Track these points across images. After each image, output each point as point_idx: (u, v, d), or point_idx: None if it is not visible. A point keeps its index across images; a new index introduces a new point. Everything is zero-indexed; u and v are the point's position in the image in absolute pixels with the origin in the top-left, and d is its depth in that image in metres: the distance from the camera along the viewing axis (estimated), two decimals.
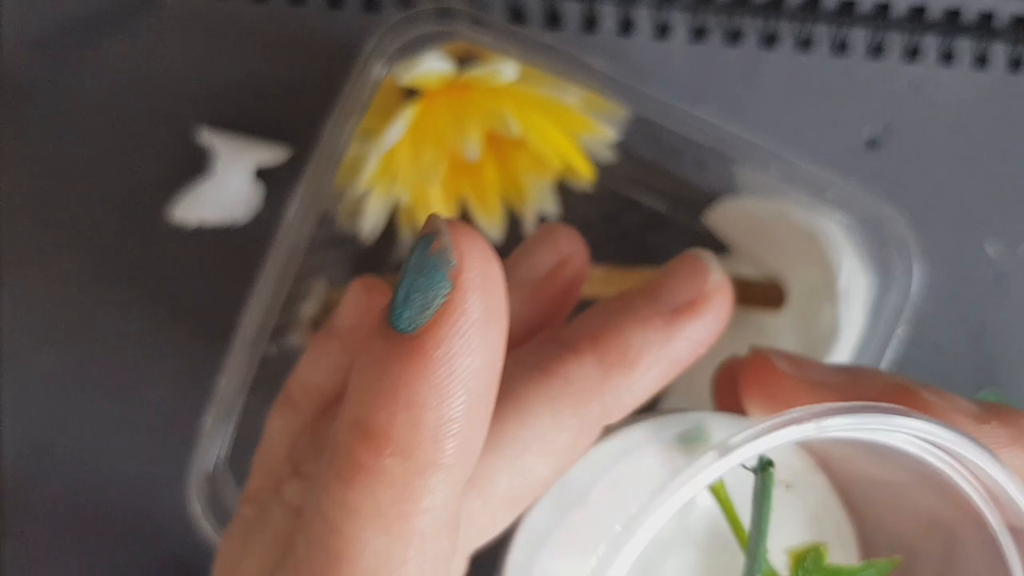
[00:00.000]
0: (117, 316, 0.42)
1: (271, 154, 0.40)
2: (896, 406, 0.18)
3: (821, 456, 0.24)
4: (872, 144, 0.41)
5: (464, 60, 0.35)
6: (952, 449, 0.19)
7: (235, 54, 0.40)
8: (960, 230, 0.41)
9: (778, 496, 0.24)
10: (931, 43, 0.40)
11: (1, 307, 0.42)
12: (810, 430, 0.18)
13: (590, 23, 0.40)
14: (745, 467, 0.21)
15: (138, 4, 0.40)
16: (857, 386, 0.21)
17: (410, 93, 0.37)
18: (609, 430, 0.23)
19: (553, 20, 0.40)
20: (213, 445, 0.34)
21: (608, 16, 0.40)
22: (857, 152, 0.41)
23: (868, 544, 0.24)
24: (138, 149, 0.41)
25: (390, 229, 0.41)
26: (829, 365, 0.22)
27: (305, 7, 0.40)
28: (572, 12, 0.40)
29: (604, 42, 0.40)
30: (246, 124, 0.41)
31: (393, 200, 0.39)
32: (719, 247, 0.41)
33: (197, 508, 0.34)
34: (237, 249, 0.41)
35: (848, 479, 0.24)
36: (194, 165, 0.41)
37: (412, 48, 0.34)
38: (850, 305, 0.35)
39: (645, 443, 0.22)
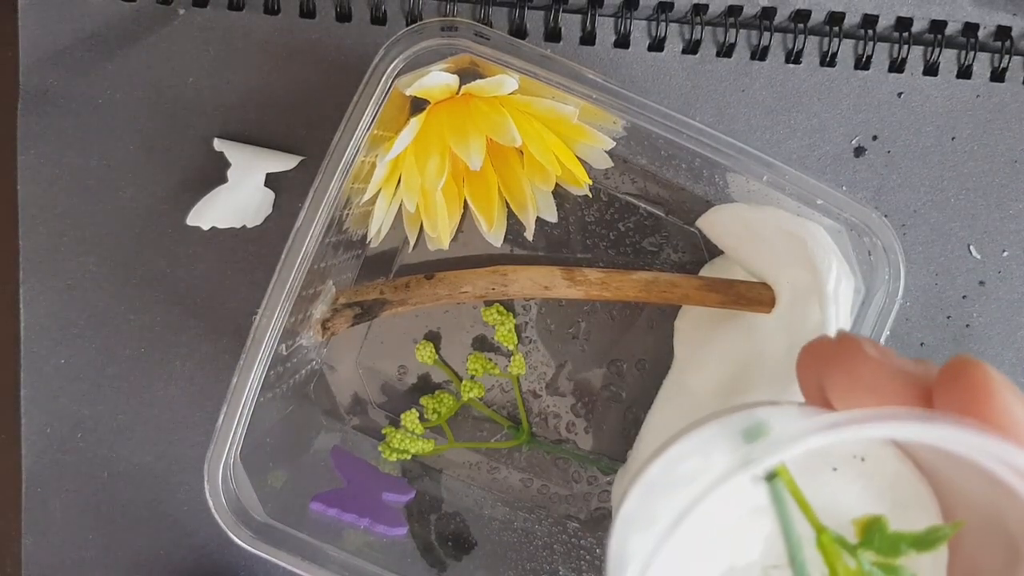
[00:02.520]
0: (133, 317, 0.43)
1: (282, 161, 0.41)
2: (968, 421, 0.19)
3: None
4: (859, 152, 0.42)
5: (467, 72, 0.36)
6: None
7: (247, 65, 0.41)
8: (945, 235, 0.42)
9: (853, 468, 0.25)
10: (916, 54, 0.41)
11: (21, 308, 0.43)
12: (868, 430, 0.20)
13: (588, 37, 0.41)
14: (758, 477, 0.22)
15: (153, 17, 0.41)
16: (937, 381, 0.21)
17: (416, 103, 0.38)
18: (684, 428, 0.24)
19: (553, 34, 0.41)
20: (227, 441, 0.35)
21: (605, 30, 0.41)
22: (845, 159, 0.42)
23: (948, 511, 0.25)
24: (153, 157, 0.42)
25: (396, 232, 0.42)
26: (909, 358, 0.23)
27: (315, 20, 0.41)
28: (571, 26, 0.41)
29: (601, 55, 0.41)
30: (258, 132, 0.42)
31: (399, 205, 0.40)
32: (712, 251, 0.42)
33: (211, 501, 0.35)
34: (249, 253, 0.42)
35: (921, 450, 0.25)
36: (208, 172, 0.42)
37: (418, 60, 0.34)
38: (838, 307, 0.35)
39: (712, 439, 0.24)
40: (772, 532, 0.24)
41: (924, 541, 0.23)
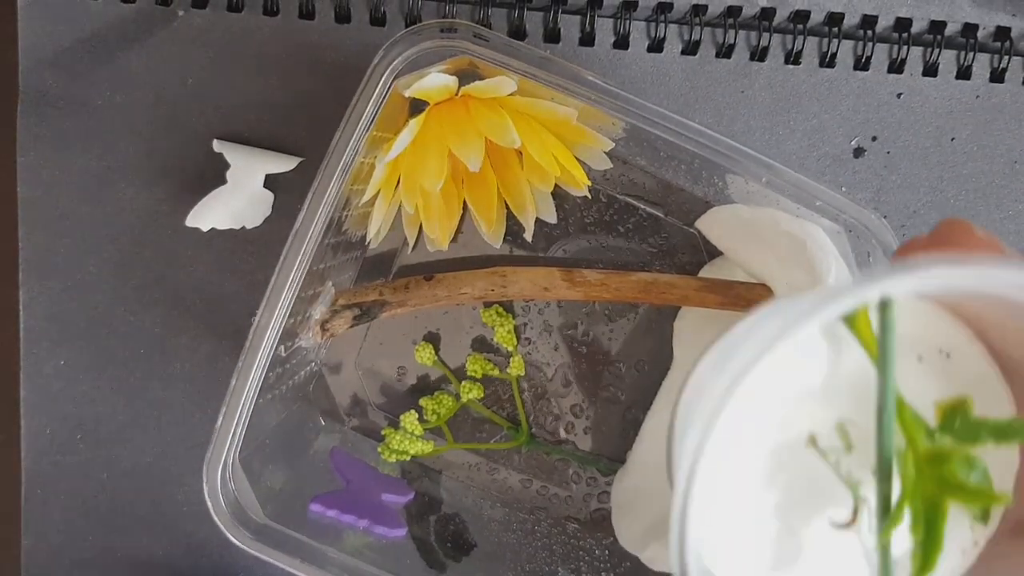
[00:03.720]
0: (133, 318, 0.43)
1: (281, 163, 0.41)
2: None
3: (978, 327, 0.25)
4: (858, 153, 0.42)
5: (466, 74, 0.36)
6: None
7: (246, 66, 0.41)
8: None
9: (936, 364, 0.25)
10: (916, 55, 0.41)
11: (21, 309, 0.43)
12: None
13: (587, 38, 0.41)
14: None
15: (153, 18, 0.41)
16: None
17: (415, 105, 0.38)
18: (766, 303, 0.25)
19: (552, 35, 0.41)
20: (226, 442, 0.35)
21: (604, 31, 0.41)
22: (844, 160, 0.42)
23: None
24: (152, 158, 0.42)
25: (395, 233, 0.42)
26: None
27: (314, 22, 0.41)
28: (570, 27, 0.41)
29: (600, 56, 0.41)
30: (257, 133, 0.42)
31: (398, 206, 0.40)
32: (711, 252, 0.42)
33: (210, 503, 0.35)
34: (248, 254, 0.42)
35: (1005, 353, 0.25)
36: (207, 173, 0.42)
37: (417, 62, 0.34)
38: None
39: (790, 305, 0.23)
40: (822, 416, 0.24)
41: (1006, 431, 0.23)
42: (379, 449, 0.42)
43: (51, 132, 0.42)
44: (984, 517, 0.25)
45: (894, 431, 0.23)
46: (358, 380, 0.44)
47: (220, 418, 0.34)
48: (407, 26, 0.41)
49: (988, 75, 0.41)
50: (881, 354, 0.23)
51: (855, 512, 0.24)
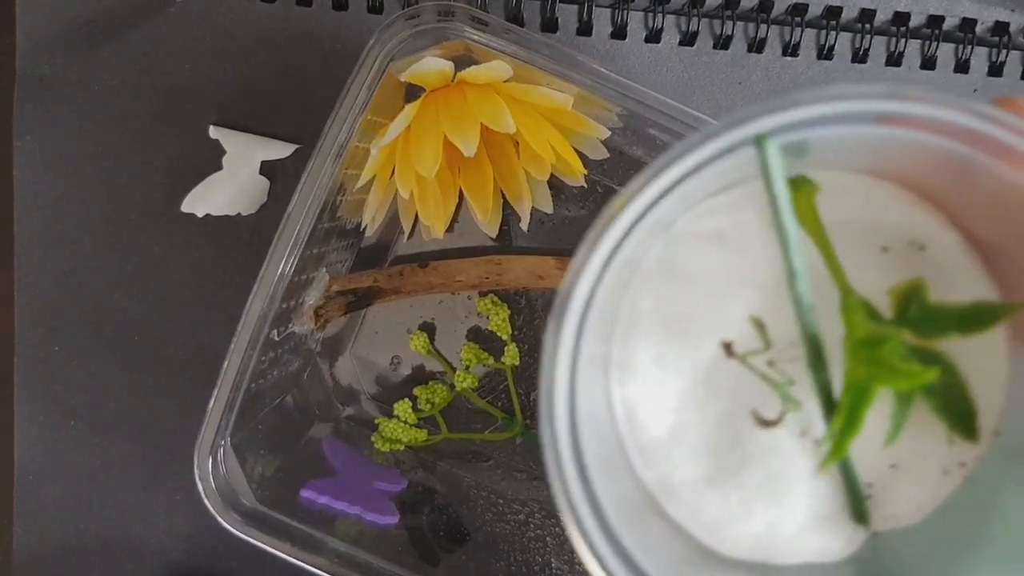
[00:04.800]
0: (128, 304, 0.43)
1: (277, 149, 0.41)
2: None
3: (953, 214, 0.23)
4: None
5: (462, 59, 0.36)
6: None
7: (244, 52, 0.41)
8: None
9: (908, 257, 0.23)
10: (914, 48, 0.41)
11: (16, 295, 0.43)
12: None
13: (585, 28, 0.41)
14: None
15: (150, 4, 0.41)
16: None
17: (410, 89, 0.38)
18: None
19: (549, 25, 0.41)
20: (216, 425, 0.34)
21: (602, 21, 0.41)
22: None
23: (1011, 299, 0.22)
24: (149, 144, 0.42)
25: (390, 220, 0.42)
26: None
27: (311, 8, 0.41)
28: (568, 17, 0.41)
29: (598, 45, 0.41)
30: (253, 120, 0.42)
31: (393, 192, 0.40)
32: None
33: (201, 485, 0.34)
34: (243, 240, 0.42)
35: (986, 241, 0.23)
36: (203, 159, 0.42)
37: (413, 46, 0.34)
38: None
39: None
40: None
41: (970, 319, 0.21)
42: (372, 438, 0.42)
43: (48, 117, 0.42)
44: (968, 433, 0.23)
45: (812, 309, 0.21)
46: (352, 368, 0.43)
47: (212, 401, 0.34)
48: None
49: (986, 69, 0.41)
50: (773, 209, 0.21)
51: (784, 412, 0.22)
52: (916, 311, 0.21)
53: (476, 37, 0.34)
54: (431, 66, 0.35)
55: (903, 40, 0.41)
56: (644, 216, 0.20)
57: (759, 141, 0.20)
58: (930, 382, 0.20)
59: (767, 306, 0.23)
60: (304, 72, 0.41)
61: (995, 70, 0.41)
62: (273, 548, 0.35)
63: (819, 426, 0.23)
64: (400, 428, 0.42)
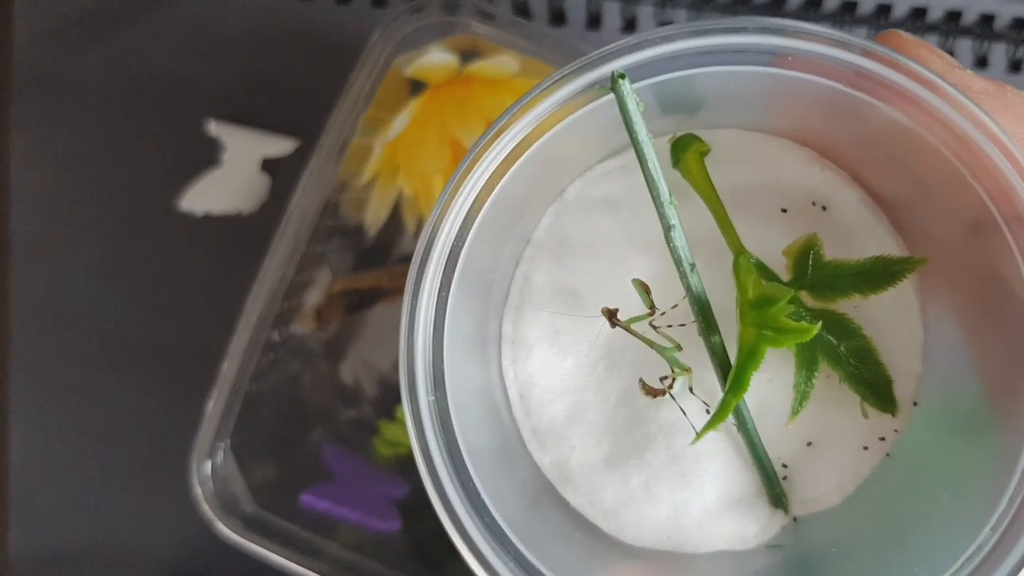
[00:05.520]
0: (125, 303, 0.42)
1: (278, 146, 0.41)
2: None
3: (854, 171, 0.22)
4: None
5: (468, 53, 0.36)
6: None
7: (244, 47, 0.41)
8: None
9: (815, 217, 0.22)
10: (932, 43, 0.41)
11: (12, 293, 0.42)
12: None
13: (594, 21, 0.41)
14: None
15: None
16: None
17: (415, 84, 0.37)
18: None
19: (558, 18, 0.41)
20: (215, 427, 0.34)
21: (612, 15, 0.41)
22: None
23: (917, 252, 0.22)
24: (148, 140, 0.42)
25: (394, 219, 0.41)
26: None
27: (314, 2, 0.41)
28: (576, 10, 0.41)
29: (607, 40, 0.40)
30: (254, 116, 0.41)
31: (397, 190, 0.39)
32: None
33: (199, 489, 0.34)
34: (243, 238, 0.42)
35: (887, 193, 0.22)
36: (202, 156, 0.41)
37: (417, 40, 0.34)
38: None
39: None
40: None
41: (870, 276, 0.20)
42: (374, 441, 0.42)
43: (45, 113, 0.41)
44: (885, 404, 0.21)
45: (693, 268, 0.20)
46: (354, 370, 0.43)
47: (210, 403, 0.34)
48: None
49: (1005, 64, 0.41)
50: (639, 158, 0.19)
51: (672, 379, 0.21)
52: (814, 271, 0.20)
53: (482, 31, 0.34)
54: (436, 61, 0.34)
55: (921, 35, 0.40)
56: (521, 157, 0.19)
57: (613, 80, 0.19)
58: (811, 337, 0.19)
59: (662, 273, 0.22)
60: (306, 67, 0.41)
61: (1014, 65, 0.41)
62: (273, 554, 0.34)
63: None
64: (403, 431, 0.41)
